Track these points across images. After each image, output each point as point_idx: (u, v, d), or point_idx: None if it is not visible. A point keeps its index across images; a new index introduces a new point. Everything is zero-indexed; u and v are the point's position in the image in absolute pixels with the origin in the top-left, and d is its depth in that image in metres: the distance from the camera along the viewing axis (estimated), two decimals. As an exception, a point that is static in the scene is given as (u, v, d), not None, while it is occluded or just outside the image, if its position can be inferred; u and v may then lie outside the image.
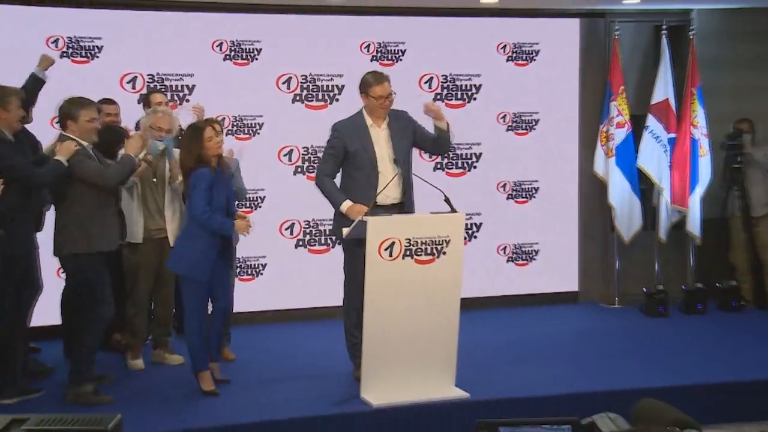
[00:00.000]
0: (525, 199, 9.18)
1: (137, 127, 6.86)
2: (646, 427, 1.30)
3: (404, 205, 6.35)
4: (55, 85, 6.69)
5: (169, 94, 8.03)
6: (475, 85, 8.96)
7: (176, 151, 6.65)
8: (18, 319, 6.15)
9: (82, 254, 6.00)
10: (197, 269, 6.15)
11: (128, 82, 7.70)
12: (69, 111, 6.05)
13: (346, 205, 6.18)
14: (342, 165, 6.35)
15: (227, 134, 7.82)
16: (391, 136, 6.33)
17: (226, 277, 6.55)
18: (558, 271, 9.29)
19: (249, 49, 8.42)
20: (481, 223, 9.00)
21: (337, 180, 6.43)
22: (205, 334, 6.33)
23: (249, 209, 8.13)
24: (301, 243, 8.59)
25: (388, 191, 6.26)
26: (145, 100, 7.39)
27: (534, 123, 9.14)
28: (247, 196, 7.81)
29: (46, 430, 1.25)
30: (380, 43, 8.69)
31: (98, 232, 6.03)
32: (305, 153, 8.48)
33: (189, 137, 6.21)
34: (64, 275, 6.56)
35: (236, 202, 6.75)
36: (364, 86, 6.35)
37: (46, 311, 6.89)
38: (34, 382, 6.41)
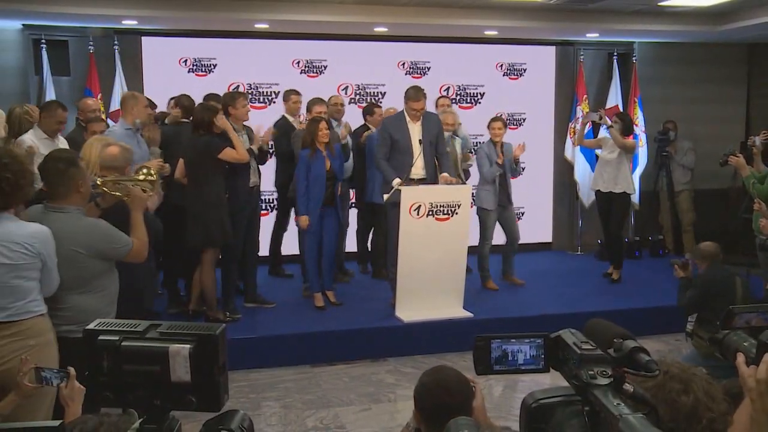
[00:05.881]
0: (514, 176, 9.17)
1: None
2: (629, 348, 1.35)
3: (426, 180, 6.26)
4: (185, 91, 6.82)
5: (260, 97, 8.11)
6: (480, 93, 8.94)
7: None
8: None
9: None
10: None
11: (234, 89, 7.79)
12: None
13: (396, 181, 6.07)
14: (390, 149, 6.26)
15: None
16: (422, 132, 6.24)
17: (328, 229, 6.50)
18: (537, 227, 9.18)
19: (318, 65, 8.43)
20: (482, 192, 9.02)
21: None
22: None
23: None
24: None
25: (416, 169, 6.21)
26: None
27: (522, 120, 9.10)
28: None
29: (173, 332, 1.40)
30: (412, 62, 8.67)
31: None
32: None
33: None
34: None
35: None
36: (406, 97, 6.26)
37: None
38: None
